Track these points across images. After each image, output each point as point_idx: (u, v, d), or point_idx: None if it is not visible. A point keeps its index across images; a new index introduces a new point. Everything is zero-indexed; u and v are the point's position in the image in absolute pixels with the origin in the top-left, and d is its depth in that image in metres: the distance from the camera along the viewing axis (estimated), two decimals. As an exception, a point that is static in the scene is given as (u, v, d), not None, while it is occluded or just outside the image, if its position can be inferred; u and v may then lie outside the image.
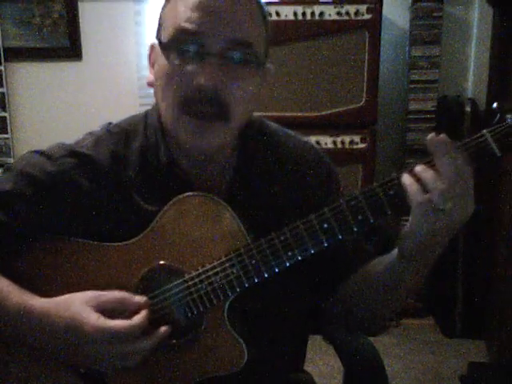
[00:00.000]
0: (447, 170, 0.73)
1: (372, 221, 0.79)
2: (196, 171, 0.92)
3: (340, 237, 0.81)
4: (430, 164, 0.75)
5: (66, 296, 0.85)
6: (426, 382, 2.31)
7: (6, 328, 0.85)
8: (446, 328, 2.67)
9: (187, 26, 0.81)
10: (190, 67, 0.81)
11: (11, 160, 2.95)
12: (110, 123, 0.97)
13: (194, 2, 0.81)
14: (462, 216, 0.76)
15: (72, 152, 0.91)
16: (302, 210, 0.84)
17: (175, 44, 0.82)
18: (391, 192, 0.78)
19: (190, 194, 0.87)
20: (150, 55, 0.91)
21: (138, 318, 0.83)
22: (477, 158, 0.76)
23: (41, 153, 0.92)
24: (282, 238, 0.83)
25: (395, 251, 0.85)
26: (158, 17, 0.89)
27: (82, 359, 0.84)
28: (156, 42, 0.88)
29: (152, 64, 0.90)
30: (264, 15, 0.87)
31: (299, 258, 0.83)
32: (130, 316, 0.83)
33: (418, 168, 0.76)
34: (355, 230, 0.80)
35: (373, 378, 1.07)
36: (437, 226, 0.75)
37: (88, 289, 0.86)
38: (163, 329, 0.85)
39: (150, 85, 0.90)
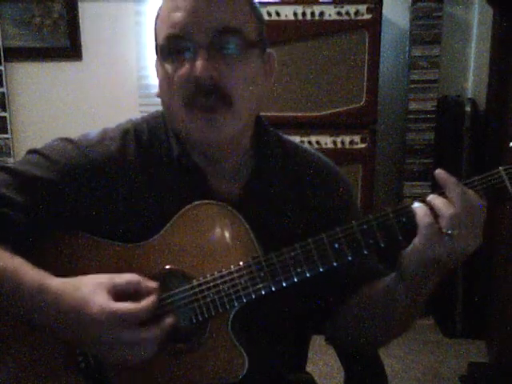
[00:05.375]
0: (458, 198, 0.76)
1: (383, 245, 0.81)
2: (212, 172, 0.92)
3: (350, 258, 0.82)
4: (443, 194, 0.78)
5: (81, 277, 0.83)
6: (426, 382, 2.31)
7: (19, 306, 0.82)
8: (446, 328, 2.67)
9: (171, 31, 0.83)
10: (185, 68, 0.83)
11: (11, 160, 2.95)
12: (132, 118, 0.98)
13: (173, 5, 0.83)
14: (467, 247, 0.77)
15: (100, 143, 0.92)
16: (315, 227, 0.86)
17: (167, 51, 0.85)
18: (404, 219, 0.79)
19: (206, 201, 0.88)
20: (157, 71, 0.92)
21: (146, 302, 0.81)
22: (490, 193, 0.78)
23: (69, 140, 0.93)
24: (293, 253, 0.83)
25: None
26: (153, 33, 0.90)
27: (86, 342, 0.82)
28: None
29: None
30: (250, 1, 0.88)
31: (308, 274, 0.84)
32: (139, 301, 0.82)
33: (431, 196, 0.79)
34: (365, 252, 0.82)
35: (373, 378, 1.08)
36: (440, 250, 0.77)
37: None
38: (168, 320, 0.83)
39: (159, 96, 0.91)
